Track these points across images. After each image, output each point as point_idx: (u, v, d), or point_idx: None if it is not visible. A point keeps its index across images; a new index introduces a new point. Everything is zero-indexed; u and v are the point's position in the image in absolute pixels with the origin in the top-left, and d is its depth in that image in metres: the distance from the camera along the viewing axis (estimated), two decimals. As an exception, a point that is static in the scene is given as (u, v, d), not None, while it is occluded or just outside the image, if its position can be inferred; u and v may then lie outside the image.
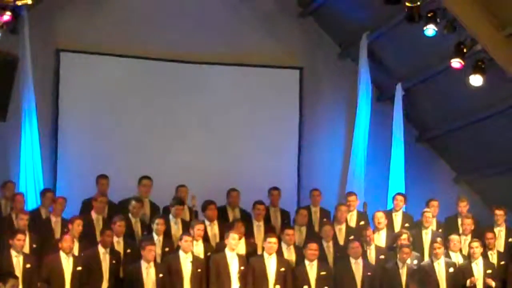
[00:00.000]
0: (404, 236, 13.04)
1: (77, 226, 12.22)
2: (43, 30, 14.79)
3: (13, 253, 11.63)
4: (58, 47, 15.00)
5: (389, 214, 13.85)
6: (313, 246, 12.45)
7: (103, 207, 13.00)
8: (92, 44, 15.02)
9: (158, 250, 12.40)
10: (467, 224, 13.44)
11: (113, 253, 12.13)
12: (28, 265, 11.65)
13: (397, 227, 13.84)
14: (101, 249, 12.03)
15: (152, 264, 11.95)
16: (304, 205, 14.40)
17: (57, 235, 12.50)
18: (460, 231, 13.53)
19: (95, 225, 12.77)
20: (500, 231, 13.58)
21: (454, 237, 13.15)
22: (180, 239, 12.18)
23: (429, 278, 12.39)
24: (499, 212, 13.69)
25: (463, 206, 13.96)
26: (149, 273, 11.89)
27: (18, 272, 11.49)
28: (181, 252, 12.10)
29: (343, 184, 15.53)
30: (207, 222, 13.09)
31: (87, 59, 15.04)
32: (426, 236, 13.53)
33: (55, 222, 12.74)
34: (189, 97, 15.39)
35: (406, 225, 13.86)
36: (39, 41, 14.49)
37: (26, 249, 12.03)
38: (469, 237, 13.35)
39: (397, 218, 13.96)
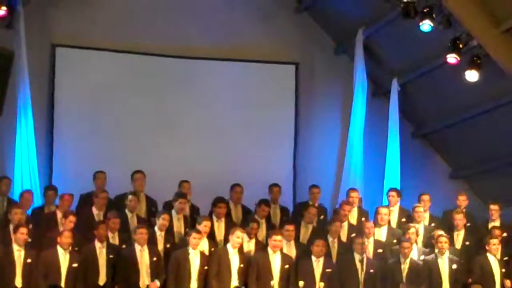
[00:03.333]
0: (412, 230, 13.02)
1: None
2: (39, 25, 14.76)
3: (15, 247, 11.64)
4: (53, 42, 14.97)
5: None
6: (321, 242, 12.46)
7: (104, 203, 13.00)
8: (87, 39, 14.99)
9: (160, 246, 12.41)
10: (459, 219, 13.44)
11: (110, 247, 12.13)
12: (28, 260, 11.65)
13: (393, 223, 13.83)
14: (97, 244, 12.05)
15: (145, 247, 12.03)
16: (300, 201, 14.44)
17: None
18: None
19: (97, 221, 12.72)
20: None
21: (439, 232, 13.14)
22: (189, 235, 12.17)
23: (425, 276, 12.44)
24: (494, 207, 13.72)
25: (463, 200, 13.96)
26: (143, 256, 11.99)
27: (19, 265, 11.52)
28: (190, 249, 12.09)
29: (338, 180, 15.52)
30: (214, 219, 13.09)
31: (83, 54, 15.02)
32: (419, 231, 13.49)
33: (61, 218, 12.68)
34: (184, 92, 15.36)
35: (403, 219, 13.87)
36: (34, 36, 14.46)
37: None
38: (462, 232, 13.37)
39: (394, 214, 13.92)
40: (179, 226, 12.97)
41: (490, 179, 15.47)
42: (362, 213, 14.04)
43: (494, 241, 12.86)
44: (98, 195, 13.04)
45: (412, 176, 15.41)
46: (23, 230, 11.69)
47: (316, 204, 14.02)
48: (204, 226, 12.42)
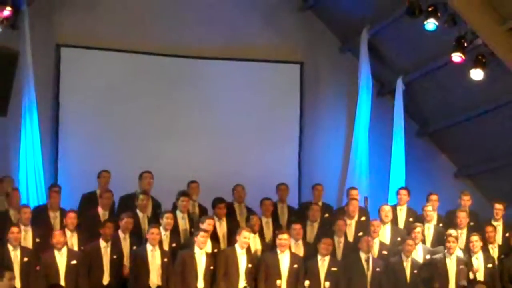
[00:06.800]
0: (418, 229, 13.01)
1: (70, 219, 12.23)
2: (44, 25, 14.77)
3: (9, 247, 11.65)
4: (58, 42, 14.99)
5: (393, 209, 13.76)
6: (328, 241, 12.49)
7: (109, 203, 12.96)
8: (92, 39, 15.01)
9: (166, 246, 12.39)
10: (462, 218, 13.41)
11: (115, 247, 12.12)
12: (25, 259, 11.66)
13: (401, 222, 13.81)
14: (102, 243, 12.05)
15: (157, 247, 12.01)
16: (305, 201, 14.41)
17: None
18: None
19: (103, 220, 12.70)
20: (498, 225, 13.56)
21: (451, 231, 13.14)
22: (196, 235, 12.17)
23: (436, 275, 12.41)
24: (498, 207, 13.69)
25: (467, 200, 13.93)
26: (154, 256, 11.96)
27: (16, 265, 11.50)
28: (196, 248, 12.10)
29: (343, 179, 15.51)
30: (215, 218, 13.06)
31: (88, 54, 15.04)
32: (429, 230, 13.53)
33: (53, 217, 12.76)
34: (189, 92, 15.37)
35: (410, 219, 13.83)
36: (39, 36, 14.47)
37: (29, 243, 12.05)
38: (465, 231, 13.35)
39: (402, 213, 13.90)
40: (184, 225, 12.97)
41: (495, 178, 15.46)
42: (362, 212, 13.96)
43: (474, 238, 12.82)
44: (102, 195, 13.01)
45: (417, 175, 15.41)
46: (14, 229, 11.73)
47: (320, 203, 14.02)
48: (207, 224, 12.41)
